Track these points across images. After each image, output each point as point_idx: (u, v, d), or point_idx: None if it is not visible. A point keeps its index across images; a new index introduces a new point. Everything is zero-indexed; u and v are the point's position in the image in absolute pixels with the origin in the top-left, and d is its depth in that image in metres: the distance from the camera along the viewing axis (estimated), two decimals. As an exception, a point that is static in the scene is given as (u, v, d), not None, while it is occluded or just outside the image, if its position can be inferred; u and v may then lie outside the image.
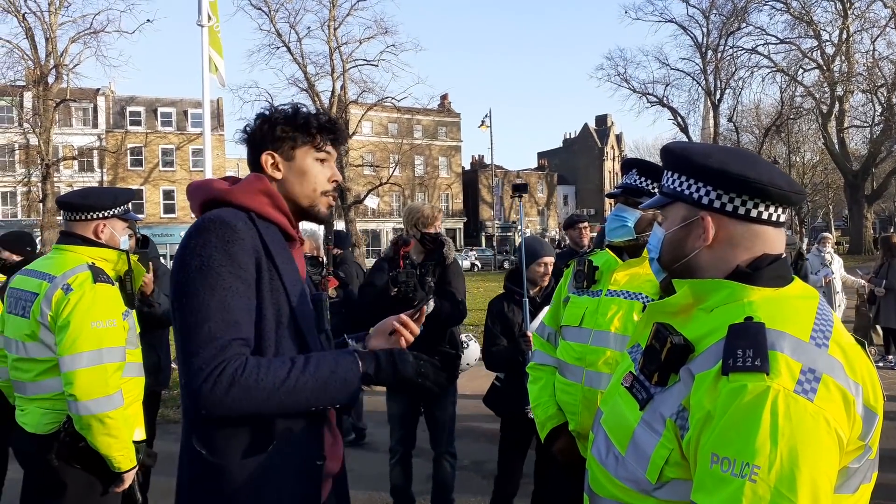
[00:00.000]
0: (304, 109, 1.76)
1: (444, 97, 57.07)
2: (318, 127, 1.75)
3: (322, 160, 1.77)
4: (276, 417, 1.57)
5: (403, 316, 1.79)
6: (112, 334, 2.50)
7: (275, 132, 1.72)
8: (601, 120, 67.99)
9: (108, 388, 2.43)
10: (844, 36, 35.99)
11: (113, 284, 2.60)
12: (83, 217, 2.69)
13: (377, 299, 3.85)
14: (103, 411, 2.42)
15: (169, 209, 45.60)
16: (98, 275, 2.54)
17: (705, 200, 1.29)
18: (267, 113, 1.76)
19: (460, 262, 4.16)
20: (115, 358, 2.49)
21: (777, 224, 1.30)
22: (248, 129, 1.78)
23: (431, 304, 1.79)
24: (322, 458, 1.66)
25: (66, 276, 2.52)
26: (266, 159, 1.72)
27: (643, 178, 2.49)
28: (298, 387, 1.51)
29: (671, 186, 1.36)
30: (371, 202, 36.18)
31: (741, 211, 1.27)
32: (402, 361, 1.67)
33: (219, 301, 1.49)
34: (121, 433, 2.49)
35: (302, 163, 1.74)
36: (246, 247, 1.55)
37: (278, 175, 1.73)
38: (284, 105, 1.78)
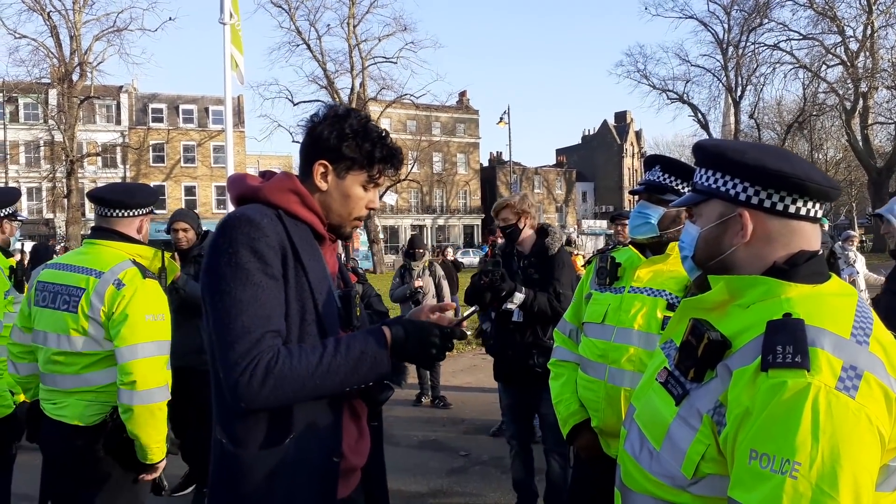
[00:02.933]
0: (375, 133, 1.73)
1: (462, 94, 56.98)
2: (381, 158, 1.73)
3: (369, 187, 1.77)
4: (308, 401, 1.59)
5: (435, 306, 1.80)
6: (163, 328, 2.58)
7: (340, 148, 1.69)
8: (620, 116, 67.40)
9: (162, 380, 2.53)
10: (869, 31, 35.41)
11: (157, 278, 2.68)
12: (129, 214, 2.71)
13: (472, 288, 3.88)
14: (156, 402, 2.51)
15: (190, 205, 45.89)
16: (145, 271, 2.61)
17: (742, 197, 1.28)
18: (342, 119, 1.71)
19: (566, 254, 4.10)
20: (165, 351, 2.58)
21: (814, 220, 1.29)
22: (315, 119, 1.73)
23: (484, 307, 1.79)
24: (339, 455, 1.66)
25: (114, 272, 2.56)
26: (318, 168, 1.71)
27: (667, 175, 2.48)
28: (332, 370, 1.54)
29: (705, 183, 1.35)
30: (389, 199, 36.26)
31: (779, 207, 1.26)
32: (417, 322, 1.69)
33: (250, 296, 1.51)
34: (162, 425, 2.57)
35: (350, 187, 1.73)
36: (271, 243, 1.56)
37: (324, 186, 1.72)
38: (357, 114, 1.74)
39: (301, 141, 1.78)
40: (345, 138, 1.69)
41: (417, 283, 7.17)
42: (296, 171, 1.82)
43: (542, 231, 4.03)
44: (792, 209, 1.27)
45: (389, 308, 7.27)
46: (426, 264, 7.43)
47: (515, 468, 4.09)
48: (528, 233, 4.02)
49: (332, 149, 1.69)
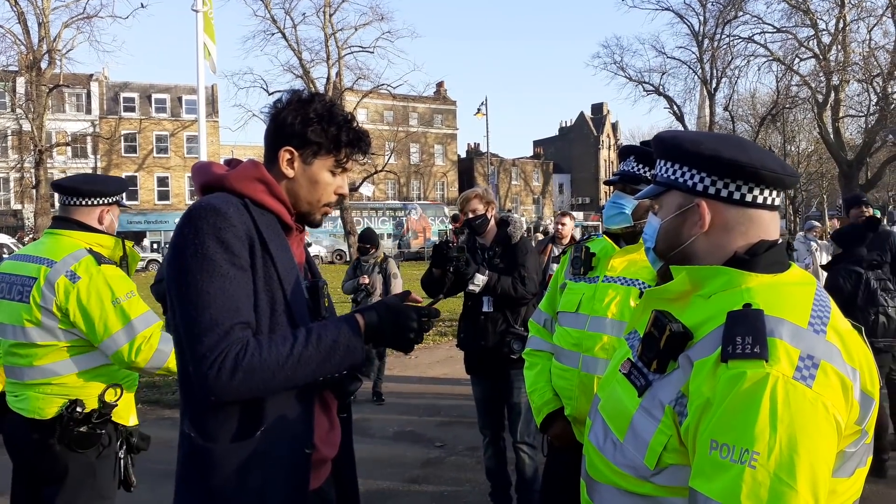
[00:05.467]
0: (340, 116, 1.69)
1: (439, 85, 56.82)
2: (348, 142, 1.70)
3: (337, 172, 1.73)
4: (280, 392, 1.56)
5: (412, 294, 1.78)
6: (134, 305, 2.52)
7: (306, 133, 1.65)
8: (597, 108, 67.74)
9: (152, 347, 2.50)
10: (841, 25, 35.90)
11: (116, 265, 2.62)
12: (88, 203, 2.67)
13: (432, 280, 3.95)
14: (164, 362, 2.51)
15: (163, 196, 45.43)
16: (100, 257, 2.56)
17: (700, 187, 1.29)
18: (307, 104, 1.68)
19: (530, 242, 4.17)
20: (146, 324, 2.52)
21: (772, 207, 1.30)
22: (279, 105, 1.70)
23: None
24: (311, 447, 1.63)
25: (66, 263, 2.51)
26: (283, 155, 1.67)
27: (641, 166, 2.49)
28: (303, 360, 1.52)
29: (664, 175, 1.36)
30: (366, 190, 36.16)
31: (735, 196, 1.27)
32: (396, 308, 1.66)
33: (218, 288, 1.48)
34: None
35: (318, 173, 1.69)
36: (238, 233, 1.53)
37: (290, 173, 1.68)
38: (322, 98, 1.70)
39: (266, 127, 1.73)
40: (310, 123, 1.65)
41: (364, 279, 6.98)
42: None
43: (503, 221, 4.07)
44: (749, 198, 1.28)
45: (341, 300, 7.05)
46: (377, 260, 7.16)
47: (488, 458, 4.12)
48: (490, 224, 4.05)
49: (297, 134, 1.65)
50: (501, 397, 4.03)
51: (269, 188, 1.65)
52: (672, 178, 1.34)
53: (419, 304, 1.70)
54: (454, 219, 4.10)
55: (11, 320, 2.57)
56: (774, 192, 1.29)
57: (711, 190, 1.28)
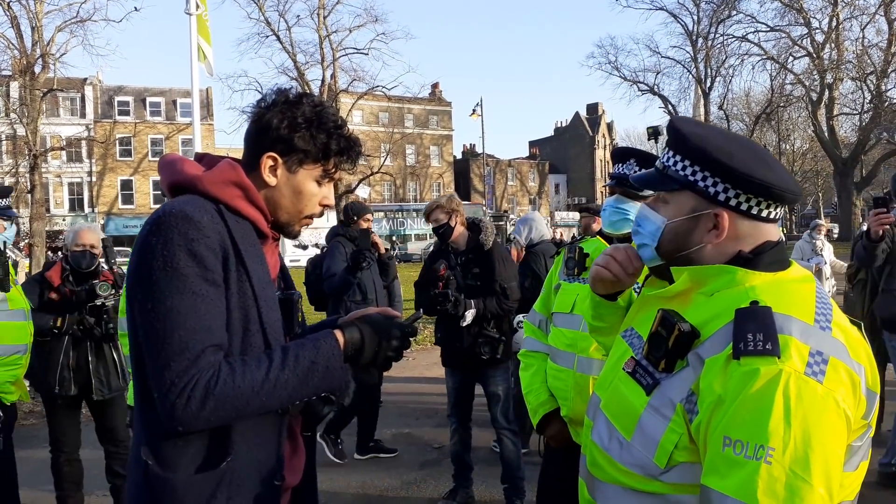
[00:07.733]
0: (331, 122, 1.55)
1: (434, 86, 56.84)
2: (338, 151, 1.56)
3: (324, 182, 1.60)
4: (250, 417, 1.45)
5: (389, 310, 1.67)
6: None
7: (292, 140, 1.51)
8: (592, 108, 67.75)
9: None
10: (834, 23, 36.07)
11: None
12: None
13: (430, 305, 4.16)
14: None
15: (159, 199, 45.27)
16: None
17: (722, 197, 1.27)
18: (294, 106, 1.53)
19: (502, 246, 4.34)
20: None
21: (776, 220, 1.32)
22: (263, 105, 1.55)
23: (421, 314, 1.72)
24: (281, 478, 1.52)
25: None
26: (266, 161, 1.53)
27: (642, 169, 2.48)
28: (280, 385, 1.41)
29: (681, 173, 1.31)
30: (362, 192, 36.18)
31: (754, 211, 1.27)
32: (377, 321, 1.56)
33: (188, 306, 1.36)
34: None
35: (302, 182, 1.55)
36: (212, 244, 1.40)
37: (272, 181, 1.54)
38: (311, 100, 1.56)
39: (247, 128, 1.59)
40: (297, 128, 1.51)
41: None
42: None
43: (474, 226, 4.25)
44: (764, 213, 1.28)
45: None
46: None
47: (454, 443, 4.37)
48: (459, 230, 4.23)
49: (282, 140, 1.51)
50: (471, 388, 4.35)
51: (247, 194, 1.52)
52: (691, 178, 1.30)
53: (400, 320, 1.59)
54: (436, 271, 4.28)
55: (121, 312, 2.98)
56: (784, 209, 1.31)
57: (733, 202, 1.27)
